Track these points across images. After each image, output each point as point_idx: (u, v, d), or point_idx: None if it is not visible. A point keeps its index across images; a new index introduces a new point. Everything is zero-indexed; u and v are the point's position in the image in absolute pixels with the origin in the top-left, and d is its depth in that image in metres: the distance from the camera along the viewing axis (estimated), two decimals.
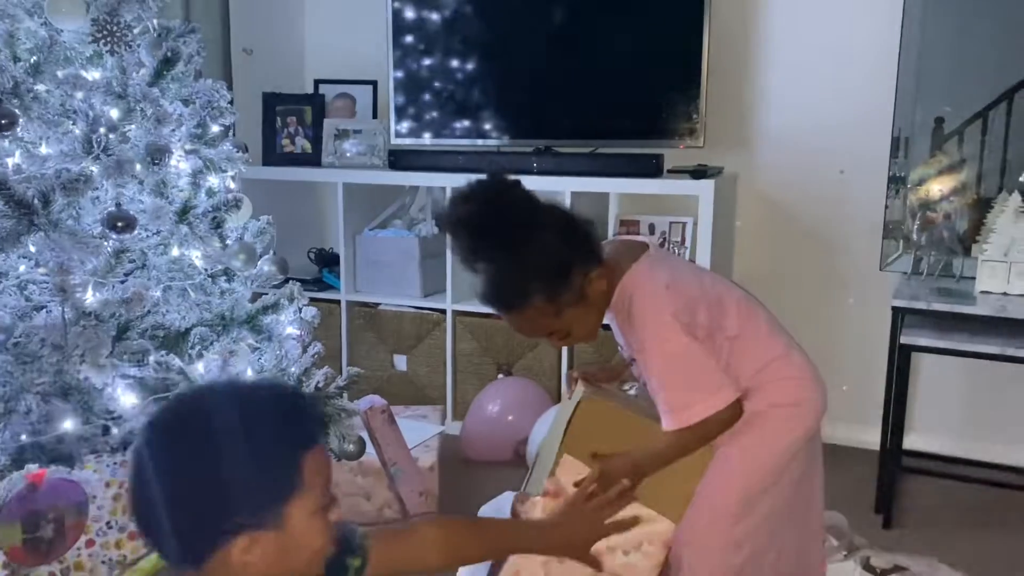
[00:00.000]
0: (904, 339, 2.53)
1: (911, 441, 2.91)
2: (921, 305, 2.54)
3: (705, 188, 2.80)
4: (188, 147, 2.09)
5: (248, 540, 0.92)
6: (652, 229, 3.10)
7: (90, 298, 1.83)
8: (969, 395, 3.07)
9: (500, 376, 3.22)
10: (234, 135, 2.63)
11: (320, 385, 2.17)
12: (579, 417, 1.65)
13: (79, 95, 1.94)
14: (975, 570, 2.26)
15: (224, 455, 0.91)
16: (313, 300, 2.98)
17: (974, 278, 2.66)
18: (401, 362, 3.39)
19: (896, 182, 2.96)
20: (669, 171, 2.96)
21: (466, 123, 3.28)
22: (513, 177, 1.58)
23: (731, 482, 1.65)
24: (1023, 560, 2.40)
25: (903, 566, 2.26)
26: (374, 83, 3.51)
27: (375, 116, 3.52)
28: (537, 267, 1.51)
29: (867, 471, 2.80)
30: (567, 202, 2.96)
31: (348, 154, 3.40)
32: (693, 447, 1.60)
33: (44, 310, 1.85)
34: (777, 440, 1.66)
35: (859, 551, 2.31)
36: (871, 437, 3.02)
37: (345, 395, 2.32)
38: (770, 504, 1.67)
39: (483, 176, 1.57)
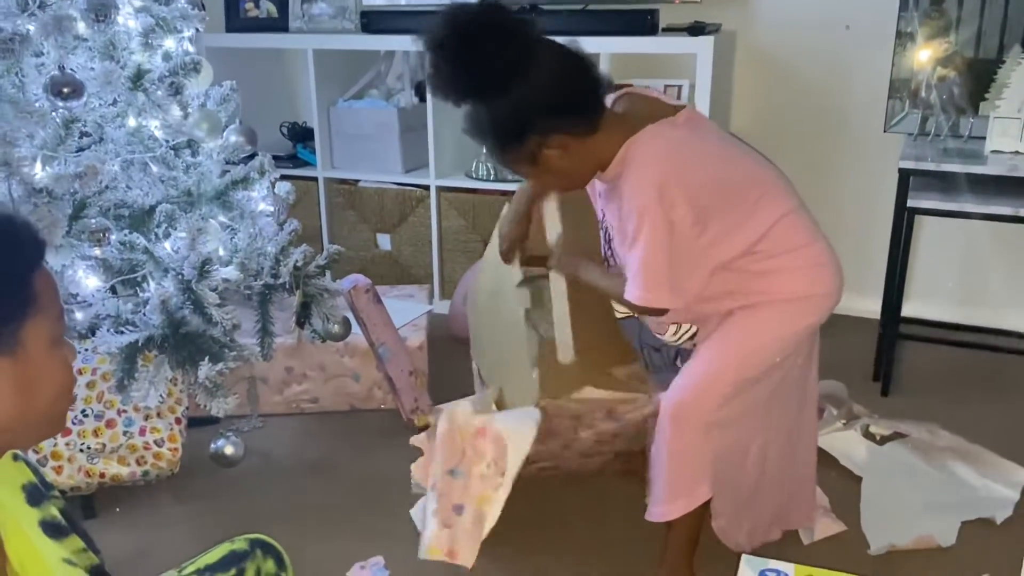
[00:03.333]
0: (911, 202, 2.42)
1: (909, 308, 2.85)
2: (930, 166, 2.42)
3: (703, 46, 2.61)
4: (137, 3, 1.88)
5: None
6: None
7: (39, 173, 1.67)
8: (967, 260, 2.99)
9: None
10: None
11: (299, 264, 2.05)
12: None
13: None
14: (974, 435, 2.23)
15: None
16: (288, 178, 2.82)
17: (983, 138, 2.53)
18: (385, 241, 3.26)
19: (904, 38, 2.78)
20: (664, 29, 2.76)
21: None
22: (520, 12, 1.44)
23: (728, 364, 1.60)
24: (1020, 422, 2.38)
25: (903, 433, 2.23)
26: None
27: None
28: (493, 119, 1.45)
29: (864, 339, 2.75)
30: None
31: (318, 17, 3.16)
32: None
33: None
34: (787, 327, 1.61)
35: (859, 419, 2.28)
36: (868, 305, 2.96)
37: (328, 275, 2.20)
38: (764, 390, 1.62)
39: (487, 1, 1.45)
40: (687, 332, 1.72)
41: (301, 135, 3.35)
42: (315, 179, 3.23)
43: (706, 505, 1.65)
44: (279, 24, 3.18)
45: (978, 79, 2.69)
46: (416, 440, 1.88)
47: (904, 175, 2.44)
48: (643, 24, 2.70)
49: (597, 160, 1.52)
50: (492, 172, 3.08)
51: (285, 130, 3.38)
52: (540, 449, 1.96)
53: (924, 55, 2.73)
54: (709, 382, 1.60)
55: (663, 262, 1.47)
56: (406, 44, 3.05)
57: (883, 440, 2.21)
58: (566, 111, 1.45)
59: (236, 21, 3.19)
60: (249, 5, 3.19)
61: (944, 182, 2.44)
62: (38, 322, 0.83)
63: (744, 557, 1.26)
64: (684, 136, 1.53)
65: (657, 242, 1.46)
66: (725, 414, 1.60)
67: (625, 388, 1.79)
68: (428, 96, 2.97)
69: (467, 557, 1.72)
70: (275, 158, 2.19)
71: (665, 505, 1.65)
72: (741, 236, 1.53)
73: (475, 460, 1.78)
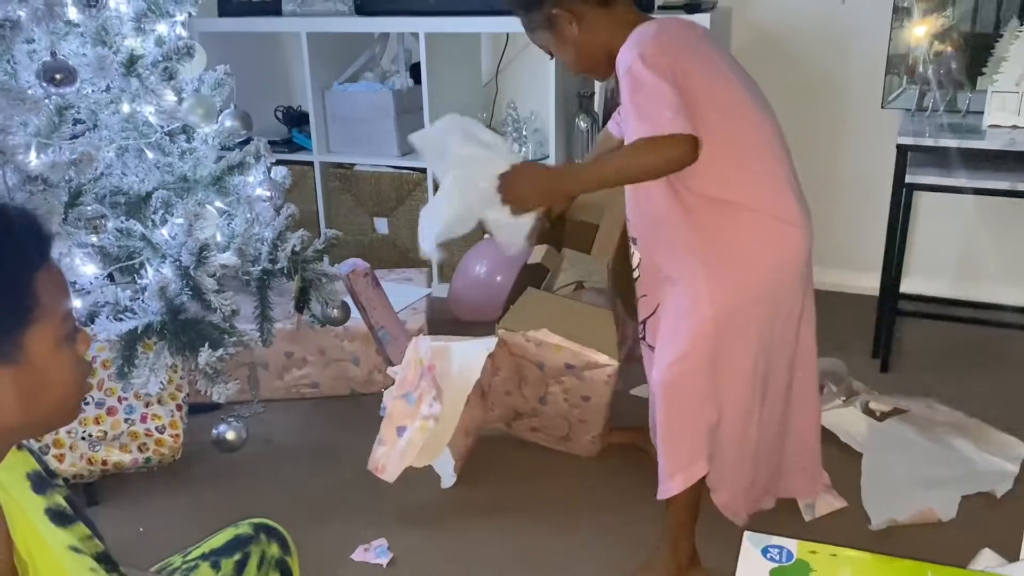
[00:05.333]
0: (909, 178, 2.42)
1: (907, 284, 2.85)
2: (928, 142, 2.41)
3: (699, 22, 2.58)
4: None
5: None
6: None
7: (34, 160, 1.66)
8: (965, 235, 2.99)
9: (486, 236, 3.10)
10: None
11: (297, 249, 2.04)
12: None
13: None
14: (973, 409, 2.24)
15: None
16: (284, 162, 2.81)
17: (981, 112, 2.52)
18: (382, 225, 3.25)
19: (901, 13, 2.77)
20: (660, 7, 2.74)
21: None
22: None
23: (702, 324, 1.58)
24: (1019, 397, 2.39)
25: (903, 408, 2.24)
26: None
27: None
28: None
29: (863, 316, 2.75)
30: None
31: (311, 0, 3.13)
32: (636, 165, 1.53)
33: None
34: (749, 272, 1.58)
35: (858, 396, 2.28)
36: (866, 282, 2.97)
37: (326, 259, 2.20)
38: (753, 355, 1.60)
39: None
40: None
41: (296, 119, 3.33)
42: (311, 163, 3.22)
43: (703, 480, 1.66)
44: (272, 7, 3.15)
45: (975, 53, 2.68)
46: (391, 370, 2.03)
47: (902, 151, 2.44)
48: (640, 1, 2.67)
49: (608, 40, 1.58)
50: None
51: (280, 114, 3.36)
52: (518, 399, 2.03)
53: (921, 30, 2.72)
54: (689, 345, 1.59)
55: (669, 93, 1.46)
56: (400, 26, 3.03)
57: (883, 416, 2.22)
58: None
59: (229, 5, 3.16)
60: None
61: (942, 157, 2.44)
62: (41, 327, 0.80)
63: (747, 534, 1.27)
64: (690, 28, 1.61)
65: (657, 79, 1.47)
66: (717, 384, 1.60)
67: (588, 343, 1.90)
68: (423, 78, 2.95)
69: (391, 473, 1.88)
70: (270, 143, 2.18)
71: (666, 482, 1.66)
72: (720, 146, 1.51)
73: (426, 390, 1.90)
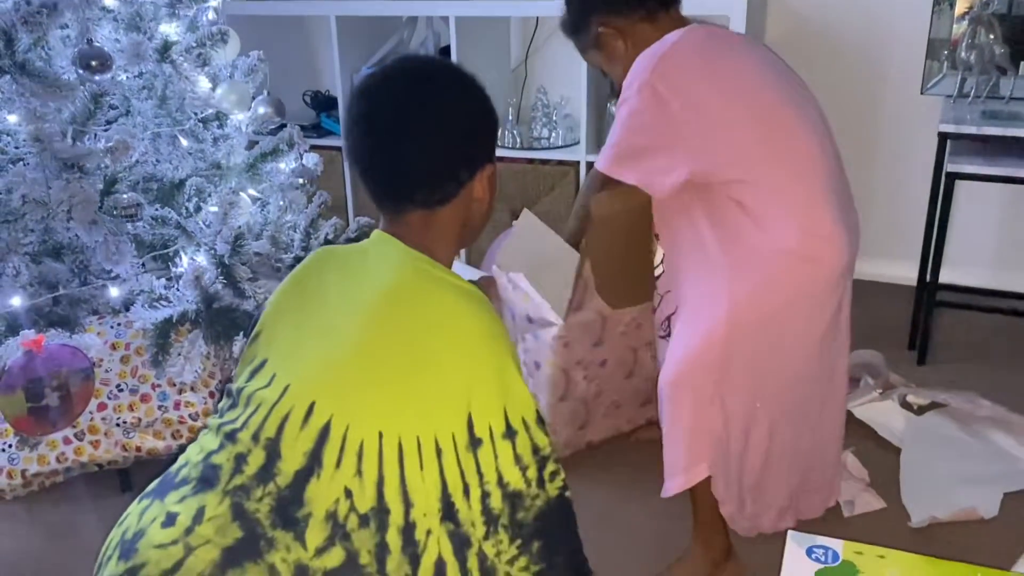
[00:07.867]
0: (950, 167, 2.36)
1: (944, 274, 2.79)
2: (970, 130, 2.36)
3: (736, 5, 2.54)
4: None
5: (487, 171, 1.09)
6: None
7: (70, 148, 1.65)
8: (1004, 223, 2.93)
9: (514, 223, 3.07)
10: None
11: (330, 237, 2.03)
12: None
13: None
14: (1015, 404, 2.20)
15: (480, 102, 1.10)
16: (312, 147, 2.80)
17: None
18: None
19: None
20: None
21: None
22: None
23: (716, 320, 1.53)
24: None
25: (942, 402, 2.20)
26: None
27: None
28: (568, 5, 1.68)
29: (898, 306, 2.71)
30: None
31: None
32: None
33: (21, 163, 1.68)
34: (772, 282, 1.52)
35: (896, 389, 2.25)
36: (902, 272, 2.92)
37: None
38: (759, 368, 1.55)
39: None
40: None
41: (324, 104, 3.32)
42: (339, 148, 3.20)
43: None
44: None
45: (1019, 37, 2.61)
46: None
47: (943, 139, 2.38)
48: None
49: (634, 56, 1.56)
50: (518, 139, 3.04)
51: (308, 99, 3.35)
52: (604, 375, 2.01)
53: (963, 14, 2.65)
54: (701, 346, 1.54)
55: (636, 135, 1.53)
56: (430, 10, 3.00)
57: (921, 410, 2.18)
58: None
59: None
60: None
61: (983, 145, 2.38)
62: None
63: (791, 533, 1.25)
64: (724, 38, 1.58)
65: (635, 114, 1.51)
66: (726, 390, 1.55)
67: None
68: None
69: None
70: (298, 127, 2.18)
71: (666, 481, 1.62)
72: (747, 152, 1.49)
73: None
